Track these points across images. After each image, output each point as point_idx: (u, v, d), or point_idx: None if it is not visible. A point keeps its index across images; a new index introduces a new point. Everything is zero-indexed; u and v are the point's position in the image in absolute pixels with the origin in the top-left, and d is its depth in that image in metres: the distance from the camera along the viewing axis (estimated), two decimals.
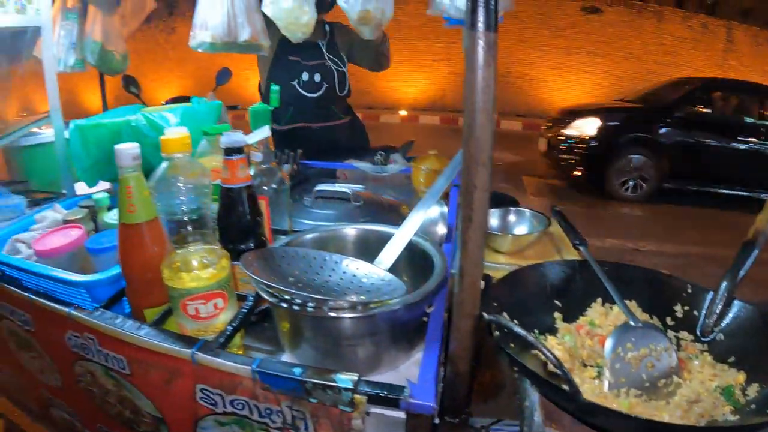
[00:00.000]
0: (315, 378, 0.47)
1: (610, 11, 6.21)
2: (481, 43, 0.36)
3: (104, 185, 1.08)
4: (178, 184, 0.54)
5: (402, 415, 0.48)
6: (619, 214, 4.26)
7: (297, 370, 0.48)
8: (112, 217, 0.88)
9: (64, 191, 1.10)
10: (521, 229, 1.22)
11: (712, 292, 0.60)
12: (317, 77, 1.66)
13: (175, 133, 0.55)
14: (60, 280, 0.72)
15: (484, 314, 0.48)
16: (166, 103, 1.92)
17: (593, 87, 6.51)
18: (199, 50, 1.12)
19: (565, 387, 0.44)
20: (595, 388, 0.52)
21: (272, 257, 0.59)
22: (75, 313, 0.65)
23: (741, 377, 0.50)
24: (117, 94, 1.94)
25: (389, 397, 0.45)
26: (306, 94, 1.69)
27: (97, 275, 0.69)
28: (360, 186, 1.27)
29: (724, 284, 0.59)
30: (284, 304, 0.51)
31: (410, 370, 0.56)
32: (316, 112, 1.72)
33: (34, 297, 0.72)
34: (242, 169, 0.60)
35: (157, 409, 0.64)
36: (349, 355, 0.54)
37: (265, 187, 0.69)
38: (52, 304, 0.69)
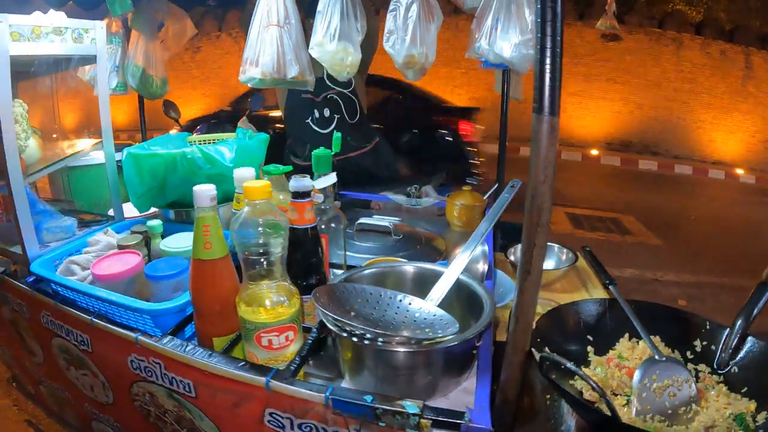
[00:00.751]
0: (385, 404, 0.57)
1: (630, 39, 6.50)
2: (545, 125, 0.48)
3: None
4: (258, 228, 0.65)
5: None
6: (637, 243, 4.37)
7: (368, 398, 0.58)
8: (166, 244, 0.98)
9: (112, 213, 1.21)
10: (549, 263, 1.34)
11: (728, 329, 0.71)
12: (326, 112, 1.77)
13: (258, 181, 0.66)
14: (127, 306, 0.80)
15: (534, 351, 0.58)
16: (202, 128, 2.06)
17: (612, 114, 6.75)
18: (249, 84, 1.26)
19: (607, 412, 0.55)
20: (624, 414, 0.62)
21: (335, 293, 0.70)
22: (143, 339, 0.75)
23: (752, 406, 0.61)
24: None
25: (451, 421, 0.56)
26: (320, 130, 1.81)
27: (164, 304, 0.78)
28: (396, 218, 1.43)
29: (739, 322, 0.70)
30: (355, 338, 0.61)
31: (460, 396, 0.67)
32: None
33: (97, 320, 0.82)
34: (309, 211, 0.72)
35: (219, 429, 0.74)
36: (407, 383, 0.64)
37: (324, 226, 0.80)
38: (117, 329, 0.79)
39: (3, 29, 0.92)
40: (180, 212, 1.18)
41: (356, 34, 1.28)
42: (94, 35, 1.14)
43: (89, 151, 1.17)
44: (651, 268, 3.72)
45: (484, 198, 1.50)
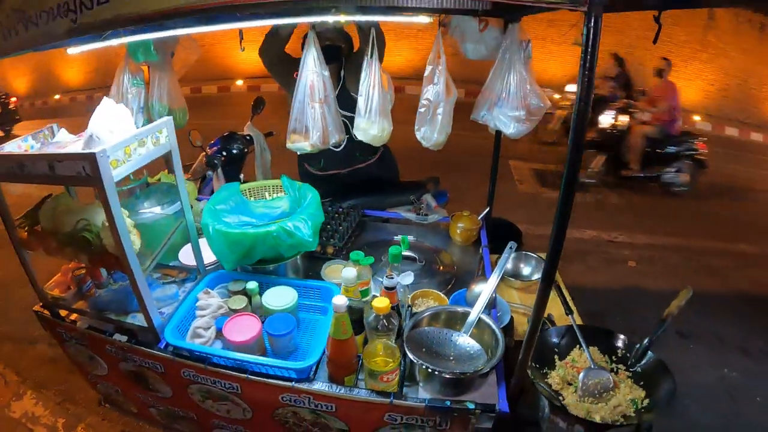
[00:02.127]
0: (456, 405, 1.25)
1: None
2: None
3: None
4: (385, 324, 1.27)
5: (493, 415, 1.27)
6: (596, 202, 5.26)
7: (447, 402, 1.25)
8: (267, 302, 1.54)
9: (181, 260, 1.76)
10: (527, 270, 2.06)
11: (638, 345, 1.43)
12: None
13: (383, 303, 1.26)
14: (282, 367, 1.37)
15: (529, 372, 1.28)
16: (217, 142, 2.47)
17: (574, 59, 7.41)
18: (298, 152, 1.77)
19: (561, 398, 1.27)
20: (572, 396, 1.35)
21: (414, 339, 1.35)
22: (298, 385, 1.35)
23: (642, 394, 1.35)
24: None
25: (490, 408, 1.25)
26: (332, 148, 2.34)
27: (307, 362, 1.35)
28: (411, 236, 2.09)
29: (645, 341, 1.42)
30: (431, 371, 1.26)
31: (487, 389, 1.35)
32: (343, 160, 2.39)
33: (253, 377, 1.38)
34: (395, 296, 1.34)
35: (347, 426, 1.39)
36: (457, 385, 1.32)
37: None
38: (273, 381, 1.37)
39: (105, 164, 1.24)
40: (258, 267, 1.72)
41: (389, 105, 1.79)
42: (166, 132, 1.52)
43: (175, 232, 1.64)
44: (607, 229, 4.64)
45: (479, 219, 2.17)
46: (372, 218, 2.31)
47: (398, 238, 2.10)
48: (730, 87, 8.38)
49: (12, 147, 1.52)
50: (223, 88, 10.41)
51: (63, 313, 1.73)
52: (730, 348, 3.04)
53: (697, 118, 8.17)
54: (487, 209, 2.25)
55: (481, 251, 2.05)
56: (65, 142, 1.60)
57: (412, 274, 1.44)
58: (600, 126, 5.45)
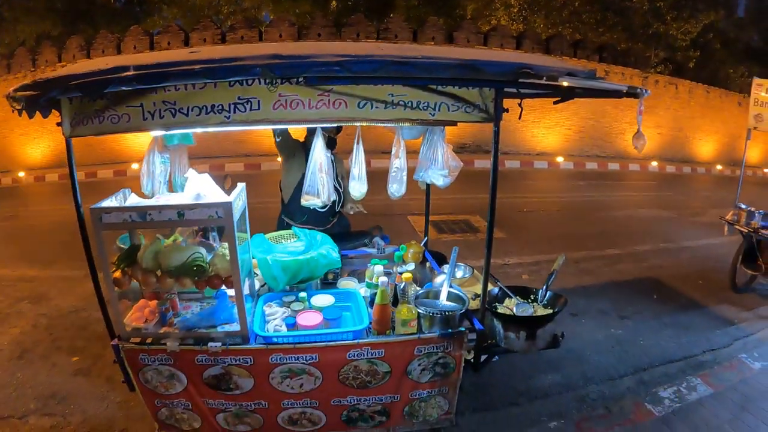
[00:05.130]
0: (455, 330, 2.53)
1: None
2: None
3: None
4: (408, 289, 2.52)
5: (475, 335, 2.59)
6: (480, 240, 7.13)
7: (449, 330, 2.53)
8: (314, 302, 2.68)
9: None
10: (460, 273, 3.46)
11: (541, 290, 2.92)
12: None
13: (408, 276, 2.52)
14: (348, 331, 2.49)
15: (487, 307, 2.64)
16: None
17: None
18: (310, 207, 2.97)
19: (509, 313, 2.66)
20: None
21: (419, 302, 2.62)
22: (362, 341, 2.49)
23: (551, 310, 2.81)
24: None
25: (474, 330, 2.57)
26: (319, 209, 3.56)
27: (360, 326, 2.51)
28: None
29: (544, 287, 2.92)
30: (435, 315, 2.53)
31: (466, 322, 2.65)
32: (321, 220, 3.63)
33: (330, 342, 2.49)
34: (409, 277, 2.60)
35: (390, 366, 2.56)
36: (449, 322, 2.58)
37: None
38: (345, 342, 2.49)
39: (233, 209, 2.34)
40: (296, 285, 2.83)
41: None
42: (244, 194, 2.64)
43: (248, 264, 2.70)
44: (500, 255, 6.43)
45: (422, 245, 3.56)
46: (346, 256, 3.55)
47: (369, 266, 3.35)
48: (586, 128, 11.35)
49: (108, 203, 2.40)
50: (120, 171, 13.69)
51: (136, 339, 2.49)
52: (611, 317, 4.83)
53: (560, 159, 10.96)
54: (426, 238, 3.69)
55: (429, 263, 3.42)
56: (142, 200, 2.59)
57: (413, 264, 2.72)
58: None
